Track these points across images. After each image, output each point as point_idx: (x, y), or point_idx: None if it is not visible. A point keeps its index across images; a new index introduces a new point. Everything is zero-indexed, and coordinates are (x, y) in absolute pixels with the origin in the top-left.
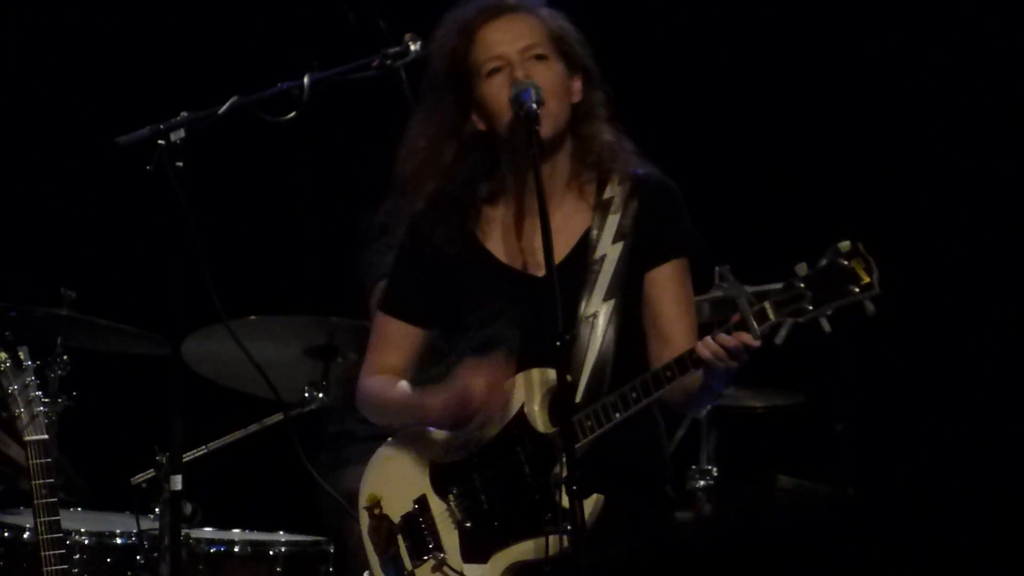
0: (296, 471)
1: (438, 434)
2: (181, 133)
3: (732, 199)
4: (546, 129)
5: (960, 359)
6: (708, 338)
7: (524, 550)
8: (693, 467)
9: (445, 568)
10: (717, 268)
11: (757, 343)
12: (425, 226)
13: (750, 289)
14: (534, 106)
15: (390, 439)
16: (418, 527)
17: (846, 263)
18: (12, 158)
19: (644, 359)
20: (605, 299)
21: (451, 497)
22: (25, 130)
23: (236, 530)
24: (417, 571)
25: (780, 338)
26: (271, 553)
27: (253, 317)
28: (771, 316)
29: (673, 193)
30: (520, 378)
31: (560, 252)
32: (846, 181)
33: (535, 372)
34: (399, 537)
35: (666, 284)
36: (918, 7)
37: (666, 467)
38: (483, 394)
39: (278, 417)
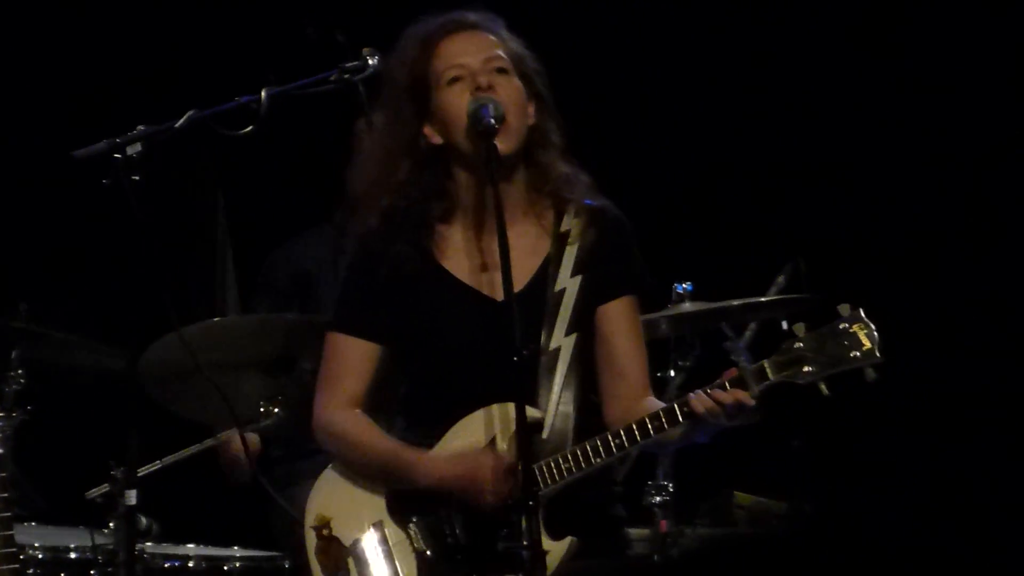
0: (251, 486)
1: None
2: (138, 147)
3: (693, 213)
4: (505, 145)
5: (915, 372)
6: (703, 392)
7: None
8: (649, 483)
9: None
10: (675, 287)
11: (752, 403)
12: (378, 242)
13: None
14: (492, 121)
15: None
16: (372, 553)
17: (848, 327)
18: None
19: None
20: (567, 334)
21: (411, 526)
22: None
23: (191, 545)
24: None
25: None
26: (226, 568)
27: (216, 320)
28: (770, 376)
29: (627, 228)
30: (488, 413)
31: (520, 280)
32: (805, 195)
33: (503, 408)
34: (349, 560)
35: (619, 319)
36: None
37: (619, 499)
38: (498, 471)
39: (233, 432)
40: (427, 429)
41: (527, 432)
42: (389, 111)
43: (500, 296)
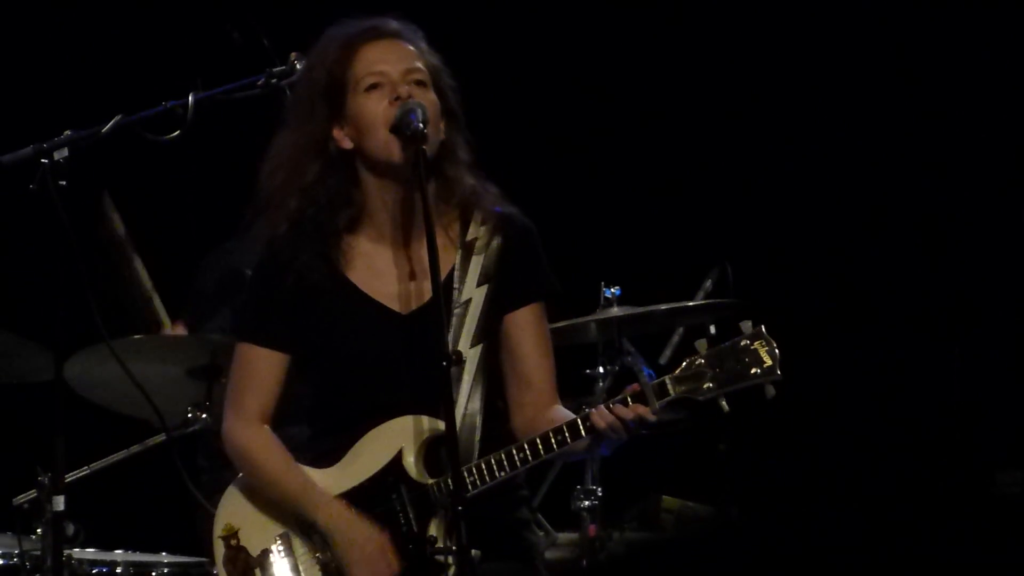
0: (179, 492)
1: (304, 469)
2: (64, 152)
3: (621, 218)
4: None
5: (839, 377)
6: (603, 407)
7: None
8: (578, 487)
9: None
10: (604, 291)
11: (654, 418)
12: (286, 250)
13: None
14: (421, 126)
15: None
16: (278, 563)
17: (749, 344)
18: None
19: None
20: (472, 345)
21: (316, 536)
22: None
23: (119, 551)
24: None
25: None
26: (154, 574)
27: (138, 336)
28: (671, 392)
29: (533, 235)
30: (396, 424)
31: (425, 292)
32: (732, 201)
33: (411, 420)
34: (256, 571)
35: (526, 327)
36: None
37: (524, 502)
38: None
39: (160, 438)
40: (333, 440)
41: (454, 440)
42: (301, 111)
43: (404, 309)
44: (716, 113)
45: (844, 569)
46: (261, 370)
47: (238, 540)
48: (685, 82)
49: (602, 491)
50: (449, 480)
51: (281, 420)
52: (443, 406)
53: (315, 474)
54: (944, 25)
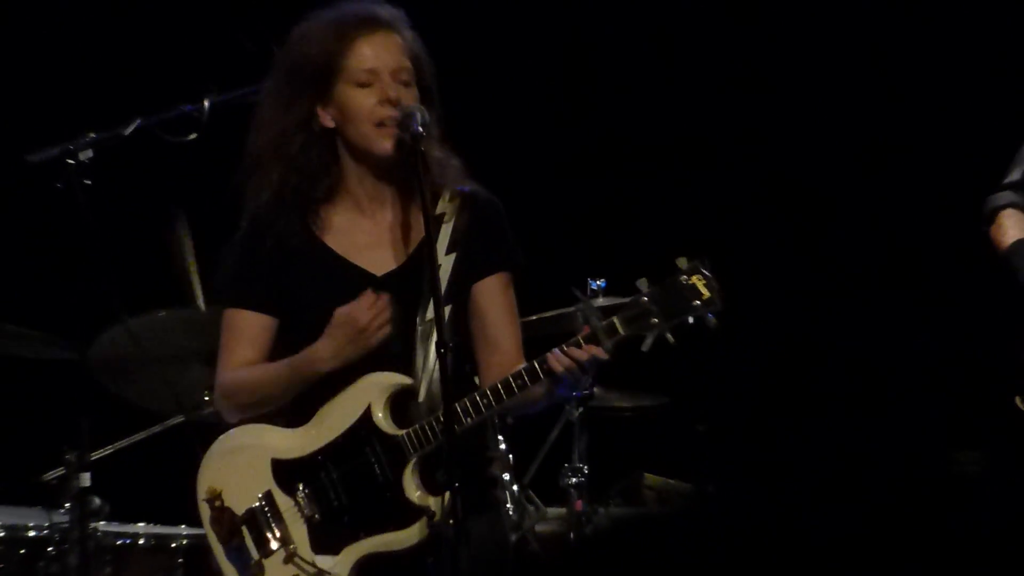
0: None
1: (276, 430)
2: (89, 152)
3: (607, 212)
4: (390, 143)
5: (814, 360)
6: (558, 350)
7: (376, 543)
8: (566, 465)
9: (296, 559)
10: (590, 283)
11: (607, 357)
12: (267, 217)
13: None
14: (420, 129)
15: (227, 433)
16: (264, 520)
17: (687, 279)
18: None
19: (473, 365)
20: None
21: (299, 493)
22: None
23: (141, 524)
24: (265, 561)
25: (646, 346)
26: (173, 545)
27: (163, 312)
28: (620, 331)
29: (499, 210)
30: (363, 382)
31: (398, 258)
32: (711, 194)
33: (376, 376)
34: (243, 528)
35: (493, 294)
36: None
37: (490, 463)
38: (364, 308)
39: (179, 419)
40: (307, 400)
41: (451, 429)
42: (288, 86)
43: (379, 271)
44: (700, 104)
45: (818, 544)
46: (248, 333)
47: (222, 501)
48: (671, 73)
49: (588, 468)
50: (419, 428)
51: (268, 416)
52: (443, 390)
53: (288, 434)
54: (925, 14)
